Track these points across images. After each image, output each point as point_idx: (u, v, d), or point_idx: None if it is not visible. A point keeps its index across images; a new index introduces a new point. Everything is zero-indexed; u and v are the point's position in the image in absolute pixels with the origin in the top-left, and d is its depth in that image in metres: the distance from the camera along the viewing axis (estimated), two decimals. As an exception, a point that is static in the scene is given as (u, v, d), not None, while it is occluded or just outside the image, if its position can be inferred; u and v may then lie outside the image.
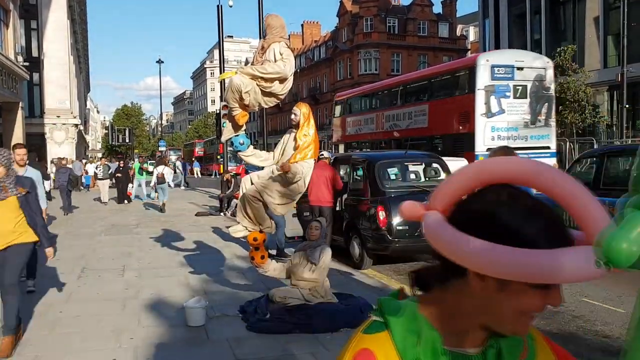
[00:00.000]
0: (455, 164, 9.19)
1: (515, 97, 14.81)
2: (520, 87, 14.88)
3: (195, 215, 15.89)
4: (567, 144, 17.24)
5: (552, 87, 15.47)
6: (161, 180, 17.41)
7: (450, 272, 0.91)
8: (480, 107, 14.50)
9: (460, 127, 15.27)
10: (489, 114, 14.54)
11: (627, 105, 18.76)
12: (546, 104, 15.24)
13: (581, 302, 6.61)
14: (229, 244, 10.41)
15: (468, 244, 0.83)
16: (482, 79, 14.60)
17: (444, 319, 0.93)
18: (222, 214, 15.92)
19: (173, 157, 51.67)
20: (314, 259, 5.76)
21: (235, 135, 5.79)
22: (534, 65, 15.29)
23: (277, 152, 5.85)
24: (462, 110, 15.24)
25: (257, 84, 5.41)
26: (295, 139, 5.59)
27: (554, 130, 15.54)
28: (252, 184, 5.76)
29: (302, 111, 5.63)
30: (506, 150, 5.27)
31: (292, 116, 5.67)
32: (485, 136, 13.88)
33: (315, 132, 5.69)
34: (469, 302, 0.90)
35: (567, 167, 10.76)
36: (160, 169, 17.72)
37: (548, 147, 15.20)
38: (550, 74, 15.49)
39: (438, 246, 0.89)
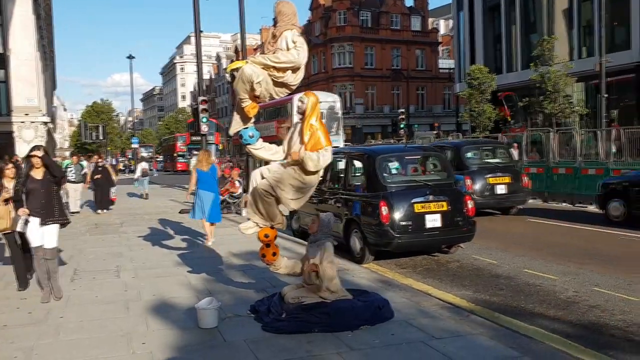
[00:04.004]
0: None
1: None
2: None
3: (179, 212, 15.53)
4: (550, 134, 17.27)
5: (340, 112, 25.47)
6: (145, 173, 21.11)
7: None
8: None
9: None
10: None
11: (605, 95, 18.94)
12: (336, 122, 25.17)
13: (593, 291, 6.57)
14: (221, 242, 10.13)
15: None
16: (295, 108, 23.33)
17: None
18: (206, 210, 15.57)
19: (144, 154, 50.64)
20: (314, 256, 5.57)
21: (245, 128, 5.52)
22: (327, 100, 25.25)
23: (285, 144, 5.61)
24: (288, 126, 23.42)
25: (269, 74, 5.17)
26: (301, 129, 5.37)
27: (342, 137, 25.05)
28: (262, 178, 5.52)
29: (310, 99, 5.41)
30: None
31: (299, 104, 5.43)
32: None
33: (320, 123, 5.45)
34: None
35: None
36: (145, 164, 21.97)
37: (337, 147, 23.94)
38: (338, 105, 25.53)
39: None
